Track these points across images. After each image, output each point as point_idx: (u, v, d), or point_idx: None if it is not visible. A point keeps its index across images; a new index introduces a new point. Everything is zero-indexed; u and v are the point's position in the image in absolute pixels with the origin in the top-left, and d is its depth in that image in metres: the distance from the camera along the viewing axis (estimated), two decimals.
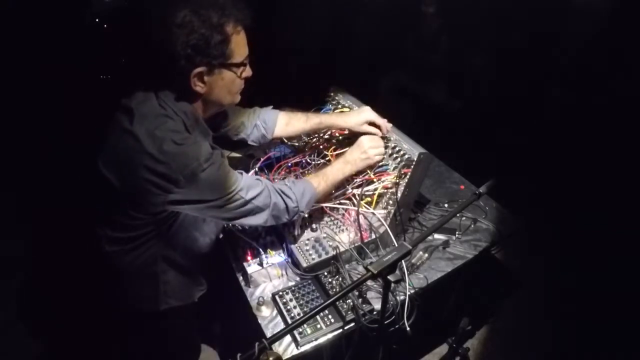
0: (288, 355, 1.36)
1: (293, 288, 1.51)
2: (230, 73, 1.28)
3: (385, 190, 1.64)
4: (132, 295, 1.47)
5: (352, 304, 1.42)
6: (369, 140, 1.62)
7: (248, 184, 1.33)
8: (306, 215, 1.60)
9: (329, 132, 1.84)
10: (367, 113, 1.66)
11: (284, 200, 1.41)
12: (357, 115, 1.67)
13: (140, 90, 1.28)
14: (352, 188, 1.65)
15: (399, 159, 1.62)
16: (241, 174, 1.35)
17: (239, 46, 1.27)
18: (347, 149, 1.69)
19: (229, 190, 1.27)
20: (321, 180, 1.53)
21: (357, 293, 1.46)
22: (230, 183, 1.28)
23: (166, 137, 1.18)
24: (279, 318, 1.46)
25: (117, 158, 1.25)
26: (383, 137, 1.68)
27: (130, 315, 1.55)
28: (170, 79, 1.24)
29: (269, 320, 1.46)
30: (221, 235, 1.65)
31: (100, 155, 1.30)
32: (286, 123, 1.75)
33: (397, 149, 1.65)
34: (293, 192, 1.43)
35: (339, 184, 1.64)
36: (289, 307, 1.45)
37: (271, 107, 1.79)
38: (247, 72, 1.34)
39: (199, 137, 1.27)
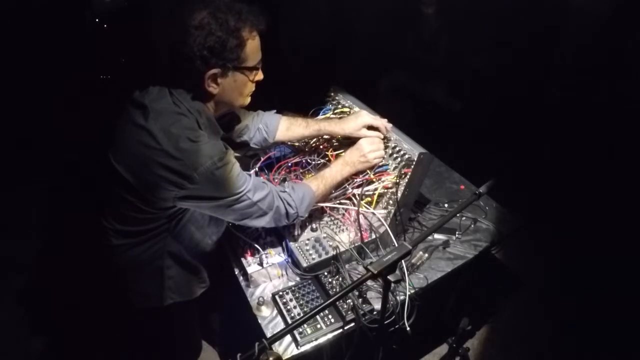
0: (288, 355, 1.36)
1: (293, 288, 1.51)
2: (243, 76, 1.32)
3: (385, 190, 1.64)
4: (136, 290, 1.48)
5: (352, 304, 1.42)
6: (368, 143, 1.63)
7: (255, 186, 1.35)
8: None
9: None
10: (363, 118, 1.66)
11: (284, 206, 1.43)
12: (354, 121, 1.67)
13: (154, 88, 1.31)
14: (352, 188, 1.65)
15: (399, 159, 1.62)
16: (250, 175, 1.37)
17: (253, 51, 1.31)
18: (347, 149, 1.69)
19: (238, 191, 1.30)
20: (320, 183, 1.55)
21: (357, 293, 1.46)
22: (240, 183, 1.30)
23: (182, 134, 1.21)
24: (279, 318, 1.46)
25: (129, 153, 1.27)
26: (383, 138, 1.69)
27: (133, 311, 1.56)
28: (185, 78, 1.27)
29: (269, 320, 1.46)
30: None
31: (111, 149, 1.32)
32: (287, 128, 1.78)
33: (397, 149, 1.65)
34: (293, 198, 1.45)
35: (338, 185, 1.64)
36: (289, 307, 1.45)
37: (274, 111, 1.81)
38: (259, 75, 1.38)
39: (211, 136, 1.29)
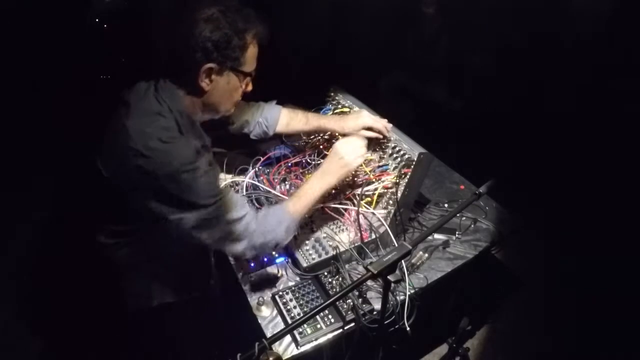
0: (288, 355, 1.36)
1: (293, 288, 1.51)
2: (236, 80, 1.32)
3: (385, 190, 1.64)
4: (131, 290, 1.47)
5: (352, 304, 1.42)
6: (344, 144, 1.52)
7: (234, 204, 1.29)
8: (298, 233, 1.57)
9: (329, 132, 1.84)
10: (364, 119, 1.66)
11: (262, 234, 1.35)
12: (354, 120, 1.67)
13: (141, 84, 1.30)
14: (352, 188, 1.65)
15: (399, 159, 1.62)
16: (236, 192, 1.32)
17: (252, 57, 1.32)
18: None
19: (204, 202, 1.22)
20: (296, 202, 1.44)
21: (357, 293, 1.46)
22: (209, 194, 1.23)
23: (154, 134, 1.19)
24: (279, 318, 1.46)
25: (110, 152, 1.26)
26: (383, 138, 1.69)
27: (131, 311, 1.55)
28: (179, 71, 1.26)
29: (269, 320, 1.46)
30: None
31: (99, 148, 1.30)
32: (287, 123, 1.78)
33: (397, 149, 1.65)
34: (265, 226, 1.36)
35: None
36: (289, 307, 1.45)
37: (275, 102, 1.80)
38: (250, 85, 1.38)
39: (190, 140, 1.27)
